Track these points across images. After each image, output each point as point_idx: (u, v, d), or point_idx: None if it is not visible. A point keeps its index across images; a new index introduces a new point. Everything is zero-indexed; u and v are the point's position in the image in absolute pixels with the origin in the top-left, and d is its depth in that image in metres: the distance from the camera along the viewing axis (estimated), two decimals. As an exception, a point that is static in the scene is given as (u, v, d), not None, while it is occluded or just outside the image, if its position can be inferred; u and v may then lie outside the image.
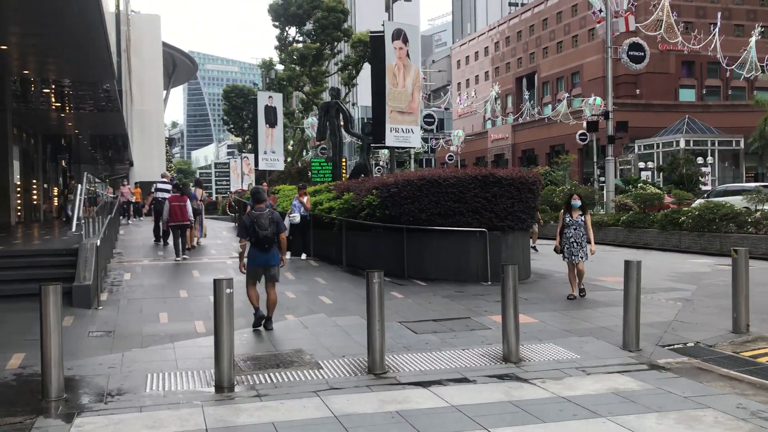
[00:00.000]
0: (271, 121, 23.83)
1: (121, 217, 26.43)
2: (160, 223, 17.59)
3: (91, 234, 11.90)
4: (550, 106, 74.97)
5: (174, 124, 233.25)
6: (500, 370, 7.29)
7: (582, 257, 11.16)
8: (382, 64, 15.23)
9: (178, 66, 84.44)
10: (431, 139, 73.23)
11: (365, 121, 19.98)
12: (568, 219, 11.29)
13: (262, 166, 23.94)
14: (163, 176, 21.58)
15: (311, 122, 63.99)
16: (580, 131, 58.33)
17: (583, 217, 11.29)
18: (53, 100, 25.26)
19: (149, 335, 8.82)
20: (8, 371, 7.17)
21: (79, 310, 10.05)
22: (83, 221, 11.29)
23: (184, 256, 15.54)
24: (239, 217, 23.34)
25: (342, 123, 20.01)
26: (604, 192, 27.85)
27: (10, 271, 10.95)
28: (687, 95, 67.57)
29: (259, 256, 9.15)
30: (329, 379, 6.95)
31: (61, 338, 6.38)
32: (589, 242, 11.19)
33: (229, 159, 68.61)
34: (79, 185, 11.63)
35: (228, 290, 6.85)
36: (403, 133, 15.64)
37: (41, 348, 6.31)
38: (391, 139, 15.33)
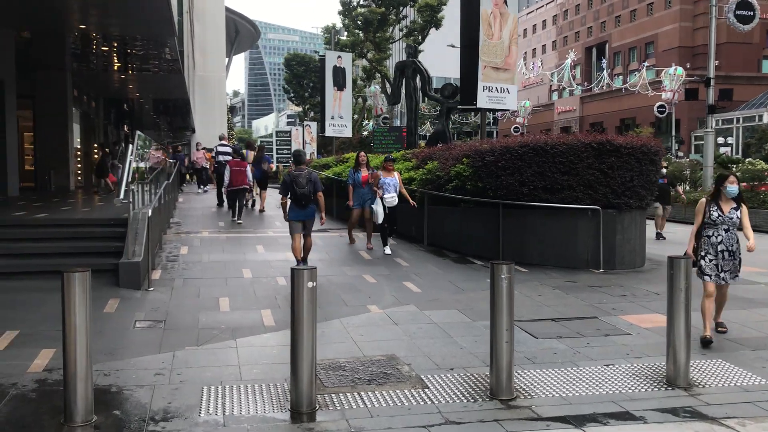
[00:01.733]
0: (340, 84, 22.05)
1: (199, 186, 24.95)
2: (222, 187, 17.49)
3: (142, 203, 10.41)
4: (620, 77, 71.38)
5: (236, 93, 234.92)
6: (669, 399, 5.38)
7: (736, 276, 7.20)
8: (475, 12, 13.18)
9: (241, 32, 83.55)
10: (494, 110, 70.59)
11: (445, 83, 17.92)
12: (716, 214, 7.06)
13: (328, 132, 22.25)
14: (221, 138, 20.34)
15: (374, 90, 62.21)
16: (659, 103, 54.96)
17: (738, 212, 7.09)
18: (114, 59, 24.10)
19: (207, 327, 7.22)
20: (29, 376, 5.64)
21: (126, 291, 8.55)
22: (133, 188, 9.80)
23: (239, 221, 15.55)
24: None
25: (419, 84, 18.10)
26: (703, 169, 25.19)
27: (52, 243, 9.54)
28: (771, 66, 63.36)
29: (298, 212, 10.10)
30: (440, 405, 5.18)
31: (89, 343, 4.76)
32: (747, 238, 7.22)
33: (290, 128, 67.40)
34: (130, 145, 10.13)
35: (310, 284, 5.10)
36: (498, 92, 13.61)
37: (63, 357, 4.72)
38: (483, 100, 13.33)
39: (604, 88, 70.70)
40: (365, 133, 59.12)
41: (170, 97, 36.33)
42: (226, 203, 17.43)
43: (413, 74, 18.25)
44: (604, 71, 65.95)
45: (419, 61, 18.23)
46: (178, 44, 25.21)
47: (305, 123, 52.41)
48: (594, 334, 7.29)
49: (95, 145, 32.10)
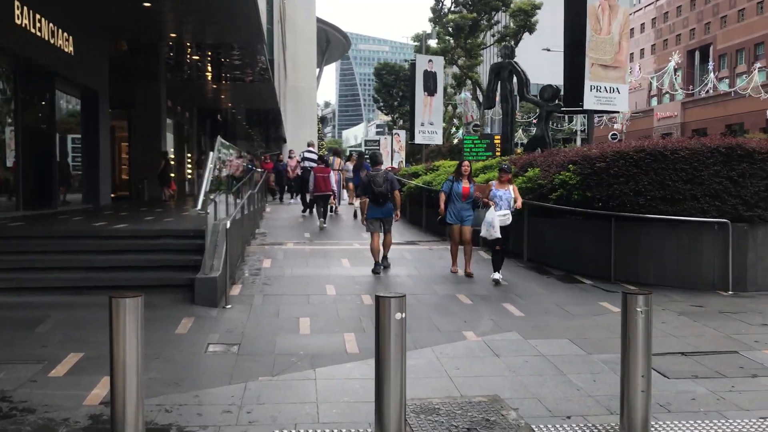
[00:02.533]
0: (431, 88, 21.18)
1: (288, 196, 24.14)
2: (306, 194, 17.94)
3: (225, 213, 9.85)
4: (726, 80, 67.25)
5: (326, 104, 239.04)
6: None
7: None
8: (581, 5, 12.00)
9: (332, 43, 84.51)
10: (603, 112, 67.77)
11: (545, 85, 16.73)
12: None
13: (418, 140, 21.39)
14: (309, 145, 20.14)
15: (464, 98, 61.09)
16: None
17: None
18: (206, 69, 24.26)
19: (284, 353, 6.45)
20: (84, 410, 4.99)
21: (201, 309, 7.93)
22: (213, 197, 9.24)
23: (324, 225, 15.88)
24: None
25: (516, 87, 16.98)
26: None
27: (128, 255, 9.09)
28: None
29: (376, 210, 10.68)
30: (560, 470, 4.16)
31: (140, 381, 4.03)
32: None
33: (378, 137, 67.21)
34: (211, 153, 9.59)
35: (398, 315, 4.21)
36: (607, 93, 12.37)
37: (111, 397, 4.01)
38: (591, 101, 12.12)
39: (710, 92, 66.79)
40: (455, 141, 58.04)
41: (262, 107, 36.65)
42: (309, 211, 18.16)
43: (509, 76, 17.15)
44: (711, 74, 62.27)
45: (516, 63, 17.12)
46: (268, 53, 25.15)
47: (394, 131, 51.90)
48: (738, 373, 6.05)
49: (188, 155, 32.64)
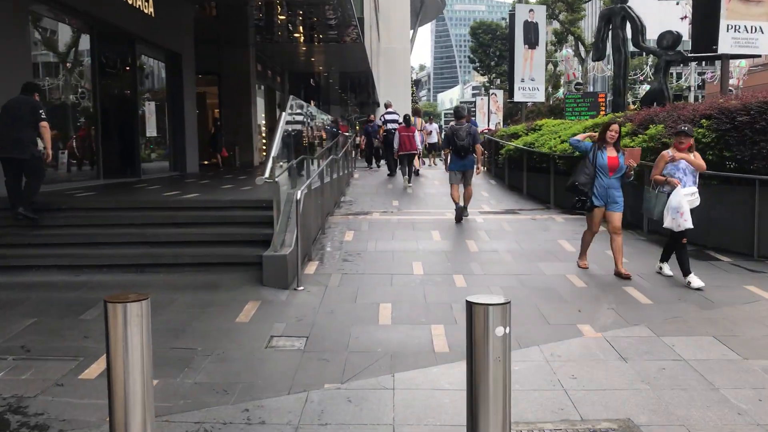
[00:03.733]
0: (531, 41, 19.38)
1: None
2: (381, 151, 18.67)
3: (300, 181, 8.82)
4: None
5: (422, 67, 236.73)
6: None
7: None
8: (717, -72, 10.09)
9: (426, 3, 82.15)
10: (702, 72, 62.76)
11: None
12: None
13: (517, 98, 19.68)
14: (387, 106, 19.77)
15: (566, 54, 57.88)
16: None
17: None
18: (296, 30, 23.36)
19: (358, 351, 5.35)
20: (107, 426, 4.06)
21: (270, 292, 6.94)
22: (285, 164, 8.23)
23: (410, 185, 16.22)
24: (486, 157, 19.67)
25: (630, 35, 15.02)
26: None
27: (195, 228, 8.23)
28: None
29: (457, 162, 10.97)
30: None
31: (148, 410, 3.00)
32: None
33: (474, 98, 65.16)
34: (283, 114, 8.55)
35: (500, 330, 2.96)
36: (747, 33, 10.43)
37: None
38: (727, 43, 10.24)
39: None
40: (556, 100, 55.34)
41: (353, 70, 35.65)
42: (384, 165, 18.64)
43: (622, 23, 15.18)
44: None
45: (630, 7, 15.11)
46: (358, 11, 23.97)
47: (491, 91, 49.85)
48: None
49: (216, 120, 31.95)
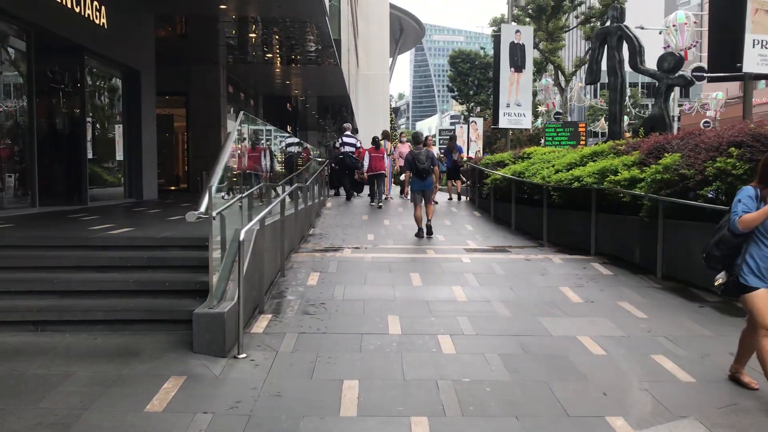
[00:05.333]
0: (518, 64, 18.11)
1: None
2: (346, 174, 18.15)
3: (251, 216, 7.27)
4: None
5: (400, 96, 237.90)
6: None
7: None
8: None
9: (405, 30, 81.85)
10: (680, 103, 62.49)
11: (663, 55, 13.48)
12: None
13: (503, 124, 18.36)
14: (345, 129, 18.88)
15: (545, 83, 57.27)
16: None
17: None
18: (268, 48, 21.99)
19: (308, 461, 3.78)
20: None
21: (200, 362, 5.35)
22: (228, 195, 6.70)
23: (380, 204, 16.79)
24: (470, 186, 18.59)
25: (627, 57, 13.80)
26: None
27: (117, 273, 6.62)
28: None
29: (419, 183, 11.84)
30: None
31: None
32: None
33: (453, 126, 64.38)
34: (232, 133, 7.04)
35: None
36: (776, 49, 9.20)
37: None
38: (752, 61, 8.92)
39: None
40: (536, 130, 54.60)
41: (331, 94, 34.42)
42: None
43: (618, 44, 13.96)
44: None
45: (627, 27, 13.91)
46: (334, 32, 22.72)
47: (471, 119, 48.83)
48: None
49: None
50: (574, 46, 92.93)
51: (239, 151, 7.50)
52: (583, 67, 56.65)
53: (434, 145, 17.68)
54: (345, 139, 18.33)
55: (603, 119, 77.10)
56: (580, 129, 39.14)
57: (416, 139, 12.42)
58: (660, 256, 8.64)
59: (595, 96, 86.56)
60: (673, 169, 8.41)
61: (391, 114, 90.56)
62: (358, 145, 18.47)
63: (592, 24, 51.26)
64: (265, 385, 4.93)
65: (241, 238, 5.53)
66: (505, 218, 14.10)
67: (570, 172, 10.93)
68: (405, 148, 18.36)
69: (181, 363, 5.28)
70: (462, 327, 6.46)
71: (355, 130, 20.10)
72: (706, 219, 8.02)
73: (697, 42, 45.88)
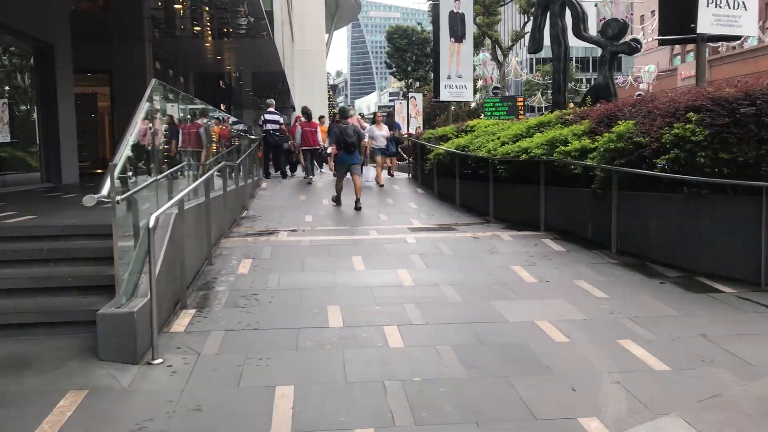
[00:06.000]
0: (458, 34, 17.48)
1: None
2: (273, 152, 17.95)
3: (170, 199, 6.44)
4: (754, 37, 62.23)
5: (338, 74, 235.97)
6: None
7: None
8: None
9: (341, 5, 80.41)
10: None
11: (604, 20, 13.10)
12: None
13: (444, 96, 17.74)
14: (269, 105, 18.28)
15: (483, 58, 57.12)
16: None
17: None
18: (197, 22, 20.77)
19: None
20: None
21: (107, 371, 4.56)
22: (136, 177, 5.86)
23: (311, 177, 16.59)
24: (411, 163, 18.07)
25: (570, 24, 13.32)
26: None
27: (8, 269, 5.71)
28: None
29: (347, 157, 12.02)
30: None
31: None
32: None
33: (393, 102, 63.81)
34: (142, 105, 6.18)
35: None
36: (730, 8, 8.77)
37: None
38: (707, 21, 8.50)
39: (736, 49, 62.10)
40: (473, 104, 54.54)
41: (266, 70, 33.24)
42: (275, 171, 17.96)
43: (561, 10, 13.48)
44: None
45: (570, -9, 13.43)
46: (264, 2, 21.68)
47: (410, 95, 48.28)
48: None
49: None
50: (510, 20, 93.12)
51: (157, 127, 6.62)
52: (520, 41, 56.75)
53: (382, 122, 16.58)
54: (266, 116, 17.61)
55: (539, 93, 77.83)
56: (519, 103, 39.00)
57: (343, 113, 12.91)
58: (615, 230, 8.20)
59: (531, 71, 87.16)
60: (627, 138, 7.94)
61: (329, 91, 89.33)
62: (281, 121, 17.81)
63: (528, -5, 51.39)
64: (182, 397, 4.18)
65: (151, 224, 4.72)
66: (449, 195, 13.54)
67: (517, 144, 10.40)
68: (351, 122, 17.60)
69: (83, 374, 4.48)
70: (410, 315, 5.83)
71: (292, 108, 19.29)
72: (663, 189, 7.61)
73: (631, 14, 46.31)
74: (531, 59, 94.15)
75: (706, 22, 8.61)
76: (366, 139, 15.84)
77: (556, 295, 6.48)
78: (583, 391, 4.26)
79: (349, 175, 12.20)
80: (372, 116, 20.58)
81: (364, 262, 7.86)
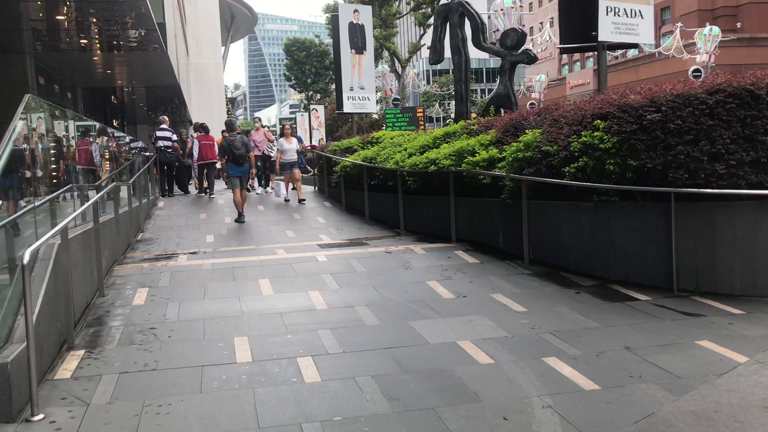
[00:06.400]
0: (359, 45, 17.24)
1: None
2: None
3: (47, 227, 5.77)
4: (651, 43, 65.99)
5: (236, 86, 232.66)
6: None
7: None
8: None
9: (237, 18, 79.14)
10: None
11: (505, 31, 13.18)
12: None
13: (347, 108, 17.41)
14: (161, 122, 17.55)
15: (382, 70, 57.49)
16: (693, 67, 50.12)
17: None
18: (84, 34, 19.53)
19: None
20: None
21: (-26, 435, 3.93)
22: (10, 201, 5.20)
23: (212, 195, 16.29)
24: (317, 176, 17.77)
25: (470, 35, 13.36)
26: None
27: None
28: (799, 26, 59.41)
29: (236, 169, 12.19)
30: None
31: None
32: None
33: (294, 115, 63.29)
34: (15, 122, 5.49)
35: None
36: (628, 17, 8.88)
37: None
38: (607, 29, 8.58)
39: (619, 58, 65.78)
40: (375, 116, 54.78)
41: (160, 84, 31.91)
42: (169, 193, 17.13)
43: (460, 21, 13.49)
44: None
45: (468, 3, 13.46)
46: (157, 15, 20.79)
47: (311, 107, 47.87)
48: None
49: None
50: (408, 32, 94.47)
51: (34, 147, 5.91)
52: (417, 52, 57.56)
53: (293, 135, 15.80)
54: (158, 133, 16.84)
55: (437, 104, 79.25)
56: (419, 114, 39.36)
57: (230, 126, 12.66)
58: (526, 240, 8.12)
59: (429, 82, 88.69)
60: (535, 147, 7.87)
61: (227, 104, 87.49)
62: (174, 138, 17.09)
63: (423, 10, 52.28)
64: (68, 461, 3.62)
65: (26, 260, 4.11)
66: (358, 207, 13.23)
67: (425, 155, 10.21)
68: (258, 135, 16.94)
69: (-54, 441, 3.83)
70: (325, 343, 5.43)
71: (190, 123, 18.49)
72: (574, 197, 7.58)
73: (523, 25, 47.78)
74: (428, 71, 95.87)
75: (607, 30, 8.73)
76: (255, 152, 15.52)
77: (475, 311, 6.25)
78: (515, 420, 4.00)
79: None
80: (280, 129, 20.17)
81: (272, 285, 7.40)
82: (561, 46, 10.71)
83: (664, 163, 6.53)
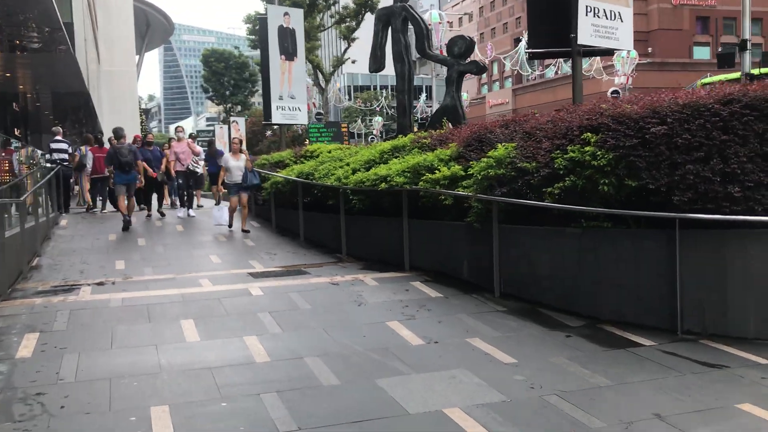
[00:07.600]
0: (288, 51, 15.95)
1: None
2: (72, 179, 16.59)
3: None
4: (552, 66, 67.65)
5: (151, 98, 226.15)
6: None
7: None
8: None
9: (152, 26, 76.29)
10: (426, 106, 65.38)
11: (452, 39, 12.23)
12: None
13: (276, 119, 16.01)
14: (55, 134, 16.10)
15: (305, 84, 56.25)
16: (612, 89, 51.42)
17: None
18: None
19: None
20: None
21: None
22: None
23: (105, 211, 15.63)
24: None
25: (414, 41, 12.32)
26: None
27: None
28: (702, 53, 63.03)
29: (122, 176, 12.39)
30: None
31: None
32: None
33: (212, 127, 61.17)
34: None
35: None
36: (608, 20, 8.02)
37: None
38: (587, 32, 7.65)
39: (537, 78, 67.22)
40: (299, 130, 53.50)
41: (67, 90, 29.62)
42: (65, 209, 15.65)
43: (403, 26, 12.46)
44: (533, 61, 61.16)
45: (411, 7, 12.46)
46: (62, 11, 18.93)
47: (232, 119, 45.95)
48: None
49: None
50: (331, 45, 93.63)
51: None
52: (341, 66, 56.66)
53: (241, 152, 12.35)
54: (53, 146, 15.38)
55: (359, 120, 78.60)
56: (343, 129, 38.17)
57: (117, 134, 12.85)
58: (497, 271, 7.05)
59: (350, 98, 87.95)
60: (508, 163, 6.83)
61: (141, 116, 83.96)
62: (71, 150, 16.06)
63: (347, 24, 51.55)
64: None
65: None
66: (291, 228, 11.92)
67: (372, 171, 9.03)
68: (181, 147, 14.94)
69: None
70: (273, 415, 4.14)
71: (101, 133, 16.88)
72: (556, 222, 6.57)
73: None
74: (349, 86, 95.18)
75: (586, 33, 7.85)
76: (177, 167, 14.56)
77: (454, 363, 5.10)
78: None
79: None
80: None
81: (198, 328, 6.01)
82: (530, 50, 9.81)
83: (669, 183, 5.60)
